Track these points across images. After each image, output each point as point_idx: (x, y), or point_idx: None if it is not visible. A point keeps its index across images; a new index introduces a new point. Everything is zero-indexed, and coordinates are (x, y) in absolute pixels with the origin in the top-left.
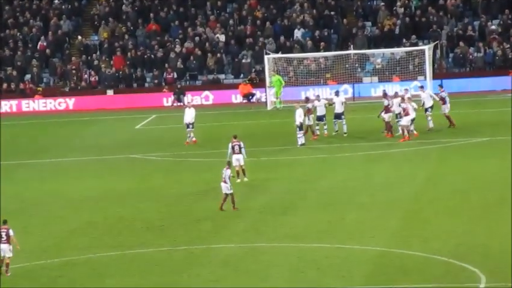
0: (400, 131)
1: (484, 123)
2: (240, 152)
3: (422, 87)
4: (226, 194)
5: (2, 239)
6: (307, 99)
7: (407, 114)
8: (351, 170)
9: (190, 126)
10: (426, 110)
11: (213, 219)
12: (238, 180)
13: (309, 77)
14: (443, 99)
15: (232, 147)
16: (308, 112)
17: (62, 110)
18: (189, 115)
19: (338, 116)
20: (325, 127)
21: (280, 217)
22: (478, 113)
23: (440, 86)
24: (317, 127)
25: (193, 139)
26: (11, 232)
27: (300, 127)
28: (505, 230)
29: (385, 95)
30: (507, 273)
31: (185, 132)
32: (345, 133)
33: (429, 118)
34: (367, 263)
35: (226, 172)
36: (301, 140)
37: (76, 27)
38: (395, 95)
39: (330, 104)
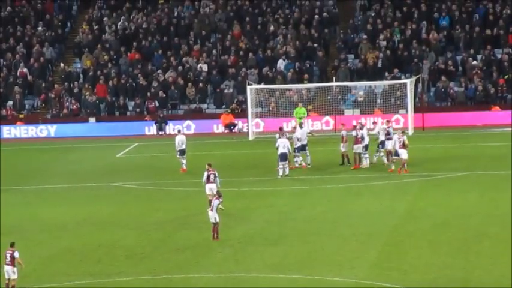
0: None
1: (465, 158)
2: (214, 182)
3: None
4: (214, 223)
5: (6, 261)
6: (281, 129)
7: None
8: (331, 201)
9: (180, 152)
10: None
11: (193, 248)
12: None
13: (291, 109)
14: (389, 135)
15: (208, 176)
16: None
17: (44, 137)
18: (180, 141)
19: (302, 148)
20: (300, 158)
21: (260, 247)
22: (458, 147)
23: (388, 121)
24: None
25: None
26: (16, 254)
27: (282, 157)
28: (484, 263)
29: (354, 127)
30: None
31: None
32: (309, 164)
33: (382, 154)
34: None
35: (215, 202)
36: (282, 171)
37: (59, 55)
38: (361, 127)
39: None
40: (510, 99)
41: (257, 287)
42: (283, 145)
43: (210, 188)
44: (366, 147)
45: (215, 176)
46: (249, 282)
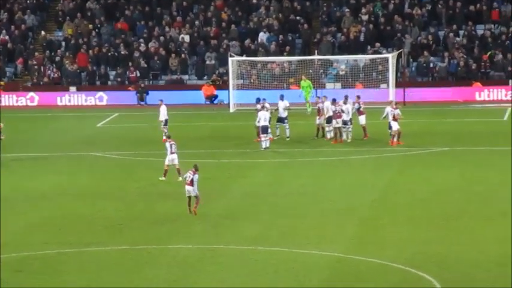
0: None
1: (445, 133)
2: (176, 152)
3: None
4: (190, 197)
5: None
6: (259, 100)
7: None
8: (311, 175)
9: (165, 122)
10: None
11: (172, 219)
12: (163, 178)
13: (273, 81)
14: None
15: (170, 146)
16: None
17: (24, 105)
18: (162, 112)
19: (281, 120)
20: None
21: (240, 220)
22: (439, 123)
23: (358, 96)
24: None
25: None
26: None
27: (264, 130)
28: (463, 240)
29: (333, 102)
30: (463, 283)
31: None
32: (288, 137)
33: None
34: (324, 268)
35: (195, 176)
36: (265, 143)
37: (40, 22)
38: (345, 101)
39: (276, 109)
40: (492, 75)
41: (236, 259)
42: (264, 117)
43: (172, 159)
44: (347, 121)
45: (175, 147)
46: (228, 254)
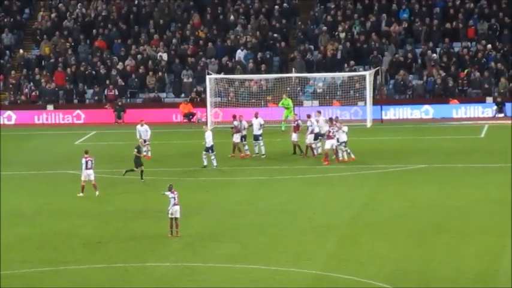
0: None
1: (422, 150)
2: (92, 168)
3: (320, 112)
4: (172, 219)
5: None
6: (234, 117)
7: (330, 137)
8: (289, 192)
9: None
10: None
11: (150, 237)
12: (81, 194)
13: (250, 99)
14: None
15: (86, 162)
16: (235, 130)
17: (1, 123)
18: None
19: (256, 138)
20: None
21: (217, 237)
22: (416, 140)
23: (309, 115)
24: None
25: (148, 154)
26: None
27: (207, 149)
28: (441, 256)
29: (331, 121)
30: None
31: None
32: (263, 155)
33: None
34: (302, 286)
35: (176, 195)
36: (205, 162)
37: (18, 41)
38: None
39: (250, 125)
40: (469, 92)
41: (214, 277)
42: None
43: (88, 174)
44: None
45: (92, 162)
46: (206, 272)
